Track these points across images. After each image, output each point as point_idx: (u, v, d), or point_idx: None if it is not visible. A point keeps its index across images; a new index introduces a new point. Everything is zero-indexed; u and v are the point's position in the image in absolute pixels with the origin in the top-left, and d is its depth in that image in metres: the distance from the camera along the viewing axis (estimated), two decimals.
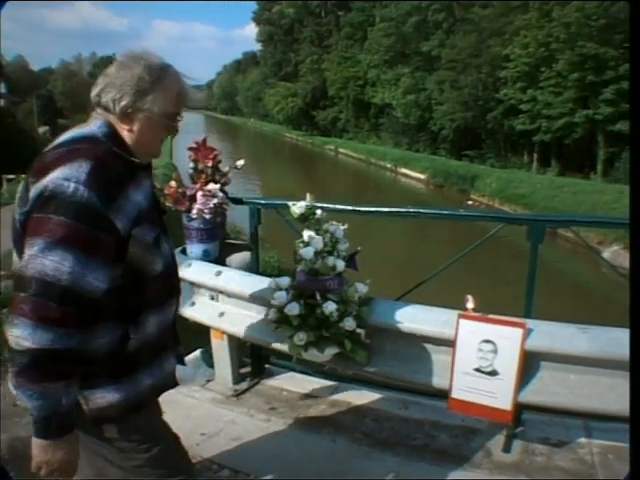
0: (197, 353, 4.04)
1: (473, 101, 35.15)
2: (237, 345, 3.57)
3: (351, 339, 2.61)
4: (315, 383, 3.70)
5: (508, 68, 32.29)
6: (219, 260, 3.39)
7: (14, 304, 1.55)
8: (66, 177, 1.58)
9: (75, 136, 1.75)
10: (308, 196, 2.74)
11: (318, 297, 2.60)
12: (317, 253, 2.59)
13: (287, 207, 2.81)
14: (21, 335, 1.50)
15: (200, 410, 3.45)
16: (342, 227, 2.72)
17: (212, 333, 3.53)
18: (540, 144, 32.45)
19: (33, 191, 1.62)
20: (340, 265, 2.62)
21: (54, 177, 1.59)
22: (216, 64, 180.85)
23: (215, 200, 3.21)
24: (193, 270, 3.29)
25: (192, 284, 3.39)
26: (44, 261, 1.52)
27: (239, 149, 52.38)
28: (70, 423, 1.63)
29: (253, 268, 3.59)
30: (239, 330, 3.18)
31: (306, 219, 2.69)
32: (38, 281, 1.52)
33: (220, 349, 3.59)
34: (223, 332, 3.40)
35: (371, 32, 49.40)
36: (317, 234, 2.63)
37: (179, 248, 3.45)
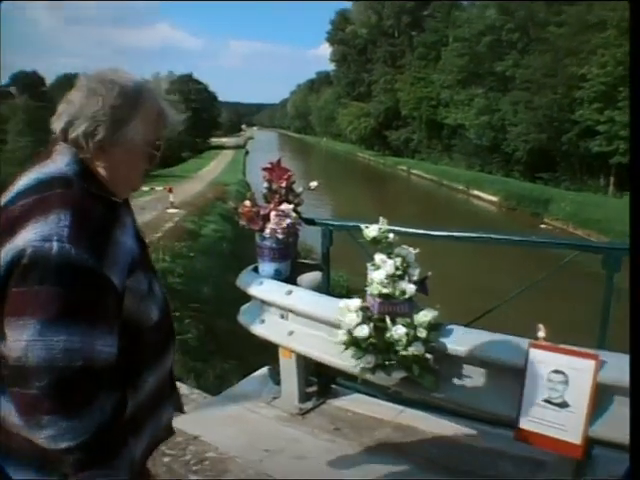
0: (264, 370, 4.10)
1: (548, 122, 34.35)
2: (304, 364, 3.60)
3: (419, 364, 2.60)
4: (380, 406, 3.68)
5: (584, 88, 31.45)
6: (290, 279, 3.43)
7: (25, 403, 1.34)
8: (45, 237, 1.34)
9: (41, 178, 1.47)
10: (381, 220, 2.75)
11: (388, 320, 2.60)
12: (388, 277, 2.60)
13: (359, 229, 2.82)
14: (57, 434, 1.32)
15: (264, 426, 3.48)
16: (413, 251, 2.71)
17: (280, 351, 3.57)
18: (617, 166, 31.22)
19: (3, 257, 1.36)
20: (411, 289, 2.61)
21: (30, 239, 1.34)
22: (290, 83, 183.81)
23: (288, 220, 3.26)
24: (264, 288, 3.35)
25: (263, 302, 3.44)
26: (47, 344, 1.30)
27: (312, 168, 52.96)
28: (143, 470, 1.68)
29: (323, 288, 3.62)
30: (307, 349, 3.21)
31: (378, 242, 2.70)
32: (49, 369, 1.31)
33: (288, 367, 3.62)
34: (292, 351, 3.43)
35: (444, 52, 49.18)
36: (389, 258, 2.63)
37: (251, 266, 3.51)
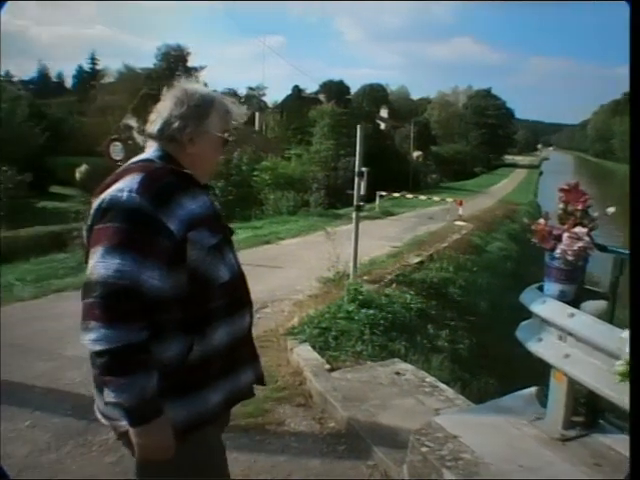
0: (532, 390, 4.07)
1: None
2: (574, 391, 3.53)
3: None
4: None
5: None
6: (573, 303, 3.39)
7: (84, 311, 1.69)
8: (120, 189, 1.77)
9: (133, 160, 1.97)
10: None
11: None
12: None
13: None
14: (96, 338, 1.64)
15: (523, 443, 3.47)
16: None
17: (553, 373, 3.53)
18: None
19: (93, 206, 1.82)
20: None
21: (110, 191, 1.79)
22: (592, 103, 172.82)
23: (580, 243, 3.22)
24: (546, 307, 3.35)
25: (543, 321, 3.45)
26: (105, 265, 1.66)
27: (609, 195, 49.27)
28: (158, 407, 1.73)
29: (606, 319, 3.51)
30: (581, 376, 3.14)
31: None
32: (102, 284, 1.66)
33: (557, 391, 3.57)
34: (564, 374, 3.39)
35: None
36: None
37: (536, 284, 3.54)
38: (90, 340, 1.65)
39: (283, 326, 6.46)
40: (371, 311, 6.45)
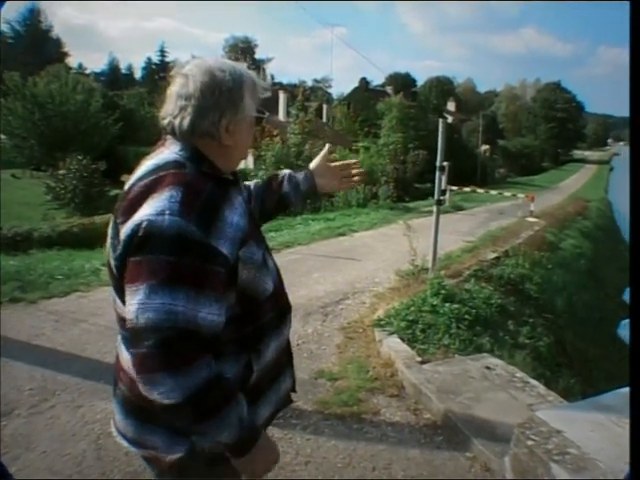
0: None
1: None
2: None
3: None
4: None
5: None
6: None
7: (138, 363, 1.46)
8: (158, 211, 1.46)
9: (158, 163, 1.62)
10: None
11: None
12: None
13: None
14: (166, 391, 1.43)
15: (627, 440, 3.49)
16: None
17: None
18: None
19: (124, 232, 1.51)
20: None
21: (145, 213, 1.47)
22: None
23: None
24: None
25: None
26: (154, 307, 1.42)
27: None
28: (257, 432, 1.63)
29: None
30: None
31: None
32: (155, 329, 1.42)
33: None
34: None
35: None
36: None
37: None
38: (160, 394, 1.45)
39: (367, 317, 6.57)
40: (455, 305, 6.48)
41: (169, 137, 1.68)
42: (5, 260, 8.69)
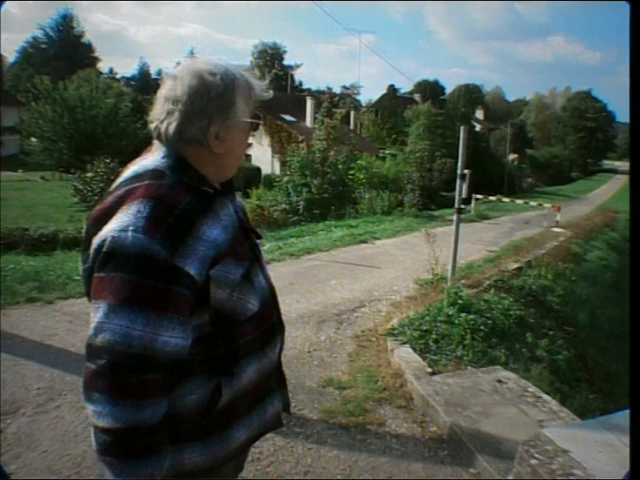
0: None
1: None
2: None
3: None
4: None
5: None
6: None
7: (87, 377, 1.41)
8: (122, 227, 1.40)
9: (137, 170, 1.57)
10: None
11: None
12: None
13: None
14: (101, 412, 1.37)
15: None
16: None
17: None
18: None
19: (92, 246, 1.46)
20: None
21: (111, 228, 1.42)
22: None
23: None
24: None
25: None
26: (111, 327, 1.37)
27: None
28: None
29: None
30: None
31: None
32: (108, 351, 1.37)
33: None
34: None
35: None
36: None
37: None
38: (93, 412, 1.39)
39: (382, 326, 6.51)
40: (471, 316, 6.36)
41: (156, 142, 1.62)
42: (26, 260, 8.81)
